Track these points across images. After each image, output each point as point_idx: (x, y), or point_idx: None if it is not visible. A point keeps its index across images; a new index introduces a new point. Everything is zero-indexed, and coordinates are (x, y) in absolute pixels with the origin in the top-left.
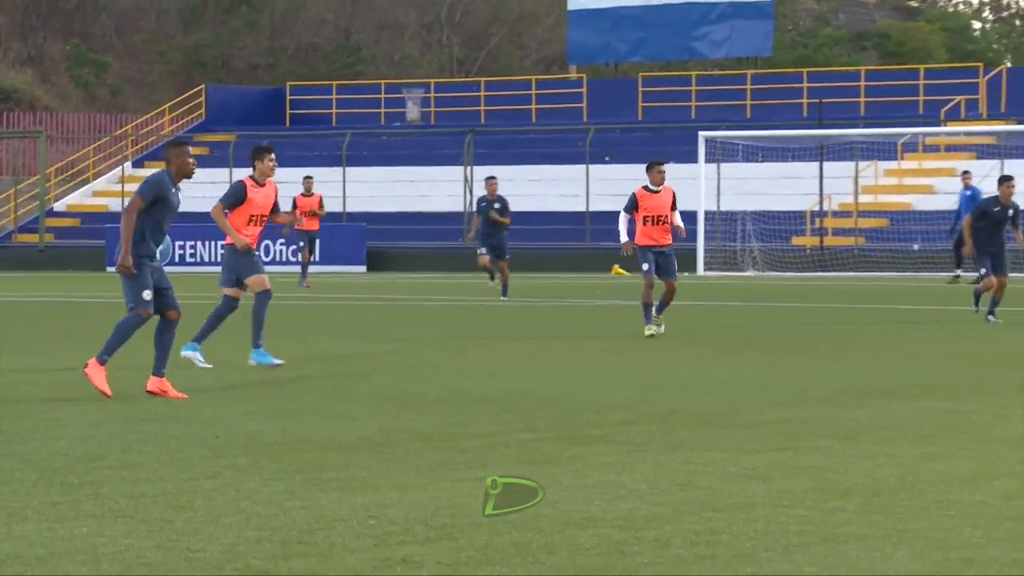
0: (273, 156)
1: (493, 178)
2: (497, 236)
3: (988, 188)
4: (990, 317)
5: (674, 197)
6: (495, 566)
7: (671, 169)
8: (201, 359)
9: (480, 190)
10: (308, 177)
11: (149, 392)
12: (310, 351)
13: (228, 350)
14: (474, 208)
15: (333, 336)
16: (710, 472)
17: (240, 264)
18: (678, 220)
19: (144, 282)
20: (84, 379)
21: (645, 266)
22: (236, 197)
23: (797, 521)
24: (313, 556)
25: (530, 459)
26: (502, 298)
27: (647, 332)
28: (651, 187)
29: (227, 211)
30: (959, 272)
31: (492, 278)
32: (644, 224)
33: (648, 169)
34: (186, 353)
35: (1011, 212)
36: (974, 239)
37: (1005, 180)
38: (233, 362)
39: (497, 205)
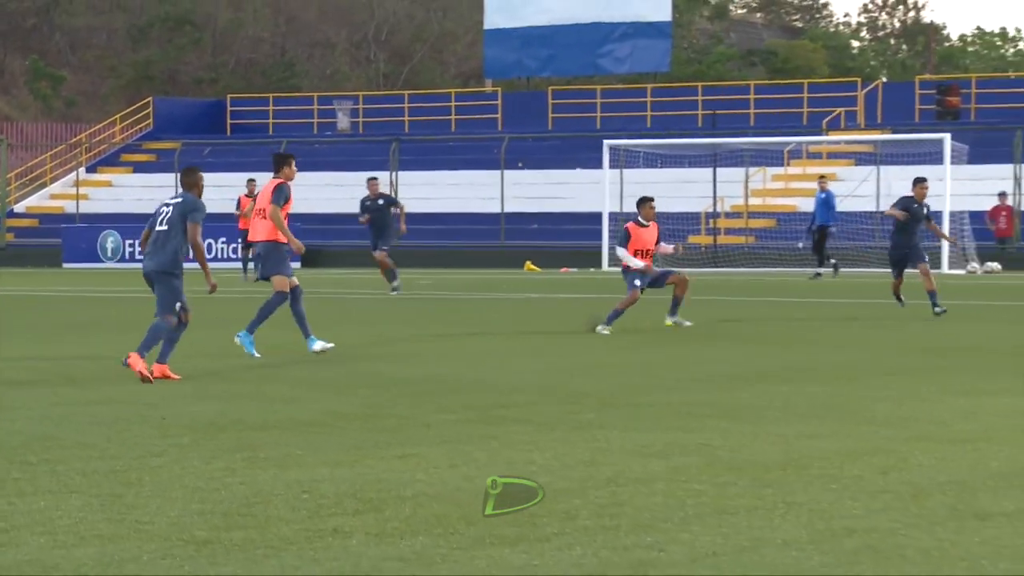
0: (294, 161)
1: (374, 178)
2: (379, 231)
3: (866, 191)
4: (936, 309)
5: (659, 232)
6: (418, 536)
7: (578, 175)
8: (323, 345)
9: (404, 193)
10: (251, 180)
11: (157, 376)
12: None
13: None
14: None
15: (267, 326)
16: (612, 450)
17: (274, 262)
18: (667, 248)
19: (180, 294)
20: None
21: (637, 282)
22: (287, 198)
23: (693, 495)
24: (252, 527)
25: (447, 438)
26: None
27: (600, 330)
28: (642, 222)
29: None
30: (821, 271)
31: (393, 283)
32: (635, 256)
33: (640, 205)
34: (315, 346)
35: (926, 210)
36: (895, 237)
37: (919, 181)
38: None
39: (381, 202)
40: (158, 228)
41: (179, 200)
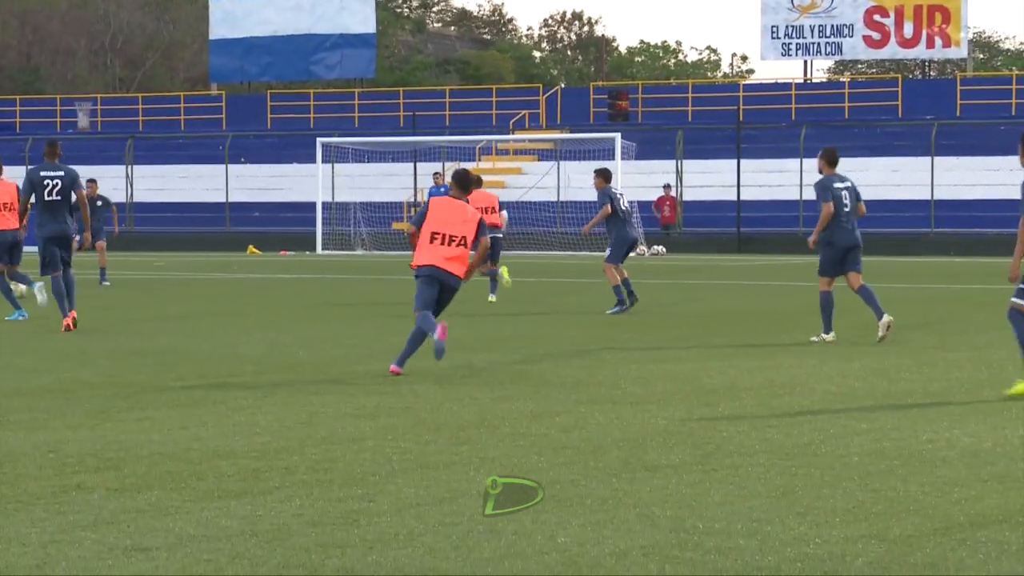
0: None
1: (92, 180)
2: (97, 228)
3: (547, 184)
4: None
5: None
6: (153, 490)
7: (294, 168)
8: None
9: (139, 185)
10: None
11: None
12: None
13: None
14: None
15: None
16: (328, 412)
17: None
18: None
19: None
20: None
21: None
22: None
23: (399, 452)
24: (3, 484)
25: (180, 403)
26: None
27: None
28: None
29: None
30: None
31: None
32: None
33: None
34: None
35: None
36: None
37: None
38: None
39: (99, 203)
40: (50, 198)
41: (62, 174)
